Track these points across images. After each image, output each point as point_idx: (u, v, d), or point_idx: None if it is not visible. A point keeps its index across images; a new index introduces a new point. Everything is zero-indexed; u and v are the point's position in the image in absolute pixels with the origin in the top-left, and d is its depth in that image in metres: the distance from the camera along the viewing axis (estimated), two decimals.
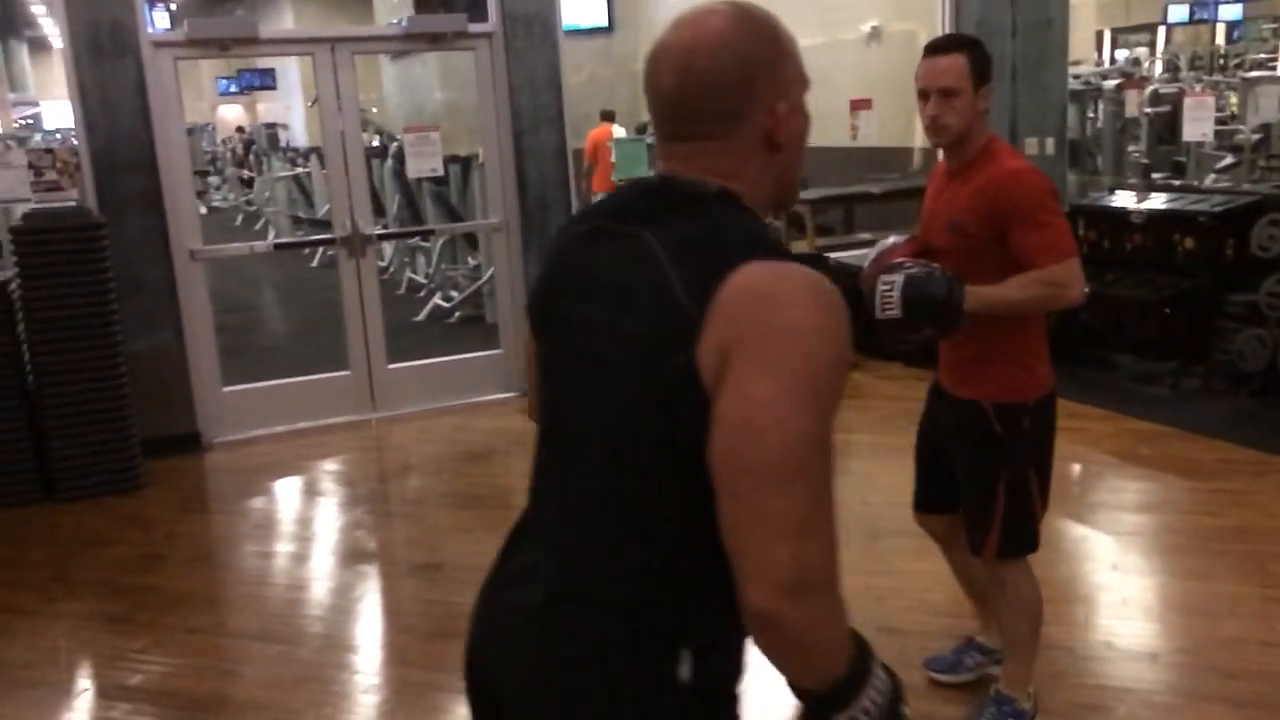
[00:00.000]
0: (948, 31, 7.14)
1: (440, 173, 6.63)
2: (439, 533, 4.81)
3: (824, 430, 1.17)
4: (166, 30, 5.92)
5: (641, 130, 12.70)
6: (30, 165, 5.56)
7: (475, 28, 6.31)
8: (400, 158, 8.84)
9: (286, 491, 5.56)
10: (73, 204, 5.49)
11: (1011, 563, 2.75)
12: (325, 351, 6.96)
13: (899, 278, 2.47)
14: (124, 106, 5.64)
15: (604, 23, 16.23)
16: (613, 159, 8.15)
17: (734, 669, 1.35)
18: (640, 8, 16.48)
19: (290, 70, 21.89)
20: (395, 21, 6.76)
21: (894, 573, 4.00)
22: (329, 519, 5.16)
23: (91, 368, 5.24)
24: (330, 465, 5.81)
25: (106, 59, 5.57)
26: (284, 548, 4.82)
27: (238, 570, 4.58)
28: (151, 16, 5.52)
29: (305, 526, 5.17)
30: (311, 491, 5.55)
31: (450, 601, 3.92)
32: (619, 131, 9.95)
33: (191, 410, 5.97)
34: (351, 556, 4.65)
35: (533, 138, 6.49)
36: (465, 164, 8.89)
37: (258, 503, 5.39)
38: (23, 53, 31.48)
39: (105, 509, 5.10)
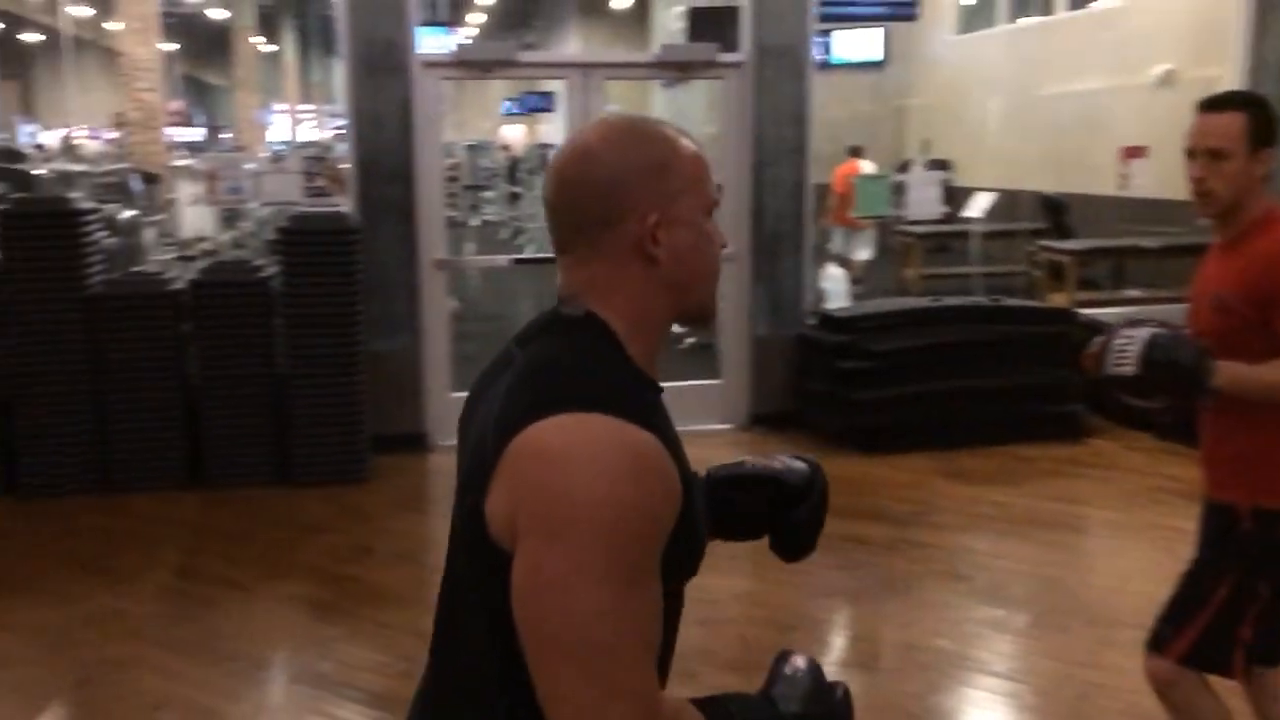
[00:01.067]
0: (1245, 80, 6.53)
1: None
2: None
3: (626, 603, 1.08)
4: (435, 52, 6.17)
5: (903, 168, 12.37)
6: (304, 171, 6.02)
7: (725, 58, 6.32)
8: None
9: None
10: (336, 209, 5.89)
11: (1195, 676, 2.45)
12: None
13: (1143, 333, 2.23)
14: (391, 121, 5.99)
15: (878, 57, 15.94)
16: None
17: None
18: (914, 43, 16.09)
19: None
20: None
21: (1105, 667, 3.63)
22: None
23: (334, 363, 5.58)
24: None
25: (379, 76, 5.95)
26: None
27: (440, 571, 4.73)
28: (419, 39, 5.80)
29: None
30: None
31: None
32: (866, 168, 9.71)
33: (421, 411, 6.25)
34: None
35: (773, 169, 6.41)
36: None
37: None
38: (340, 68, 34.41)
39: (330, 497, 5.41)
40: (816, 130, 6.49)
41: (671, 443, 1.19)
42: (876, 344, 6.10)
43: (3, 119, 30.70)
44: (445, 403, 6.37)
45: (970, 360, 6.23)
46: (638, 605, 1.09)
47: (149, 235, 7.93)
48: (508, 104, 24.82)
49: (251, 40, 29.82)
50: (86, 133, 27.14)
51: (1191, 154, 2.33)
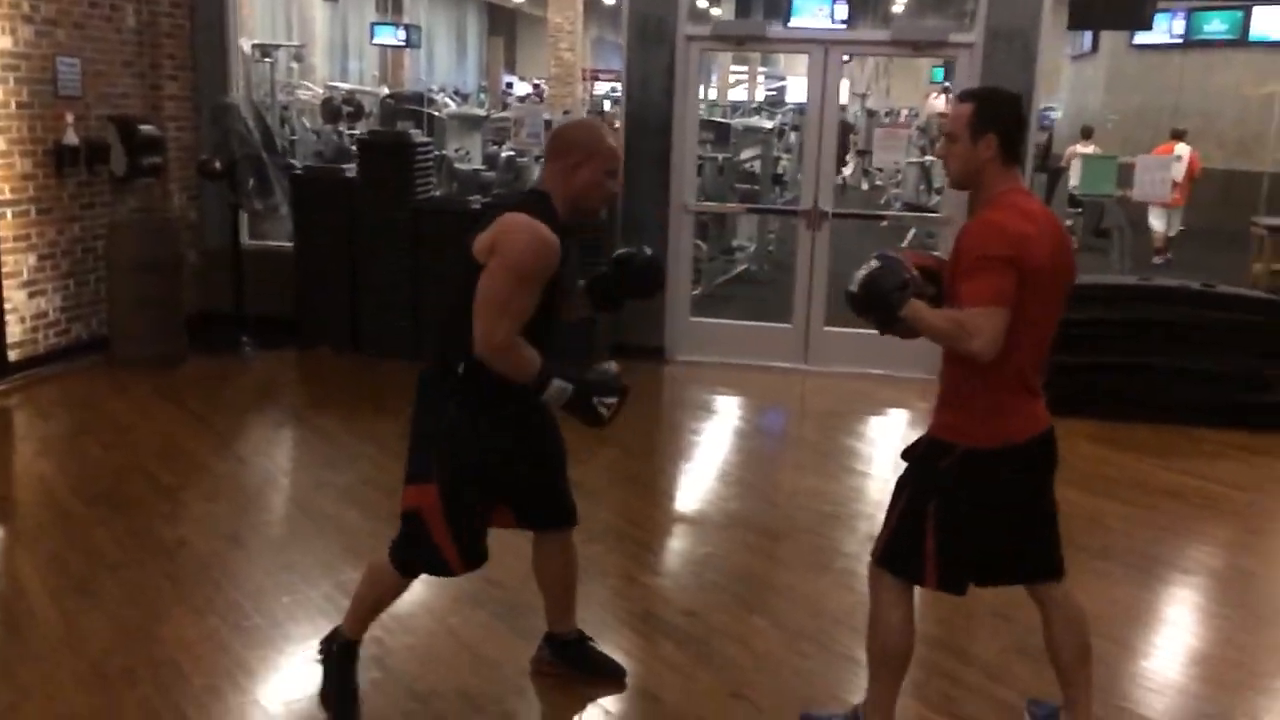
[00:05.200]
0: None
1: (900, 166, 7.31)
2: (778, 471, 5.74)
3: (515, 290, 2.69)
4: (696, 26, 7.29)
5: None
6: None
7: (956, 38, 6.88)
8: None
9: (720, 405, 6.84)
10: None
11: (889, 577, 2.85)
12: (780, 306, 8.03)
13: (875, 263, 2.71)
14: (656, 84, 7.22)
15: None
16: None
17: (485, 377, 2.81)
18: None
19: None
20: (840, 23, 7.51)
21: None
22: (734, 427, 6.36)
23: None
24: (752, 398, 6.95)
25: (649, 47, 7.19)
26: (700, 433, 6.11)
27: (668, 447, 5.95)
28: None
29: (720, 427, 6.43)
30: (731, 409, 6.75)
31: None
32: (1182, 150, 9.47)
33: (661, 329, 7.48)
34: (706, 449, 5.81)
35: None
36: None
37: (699, 400, 6.81)
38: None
39: None
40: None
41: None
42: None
43: (494, 70, 35.64)
44: (685, 325, 7.56)
45: (1163, 340, 6.42)
46: (520, 293, 2.70)
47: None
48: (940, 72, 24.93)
49: None
50: (535, 85, 30.74)
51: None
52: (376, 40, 24.01)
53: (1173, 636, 3.98)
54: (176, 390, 6.32)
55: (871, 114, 21.21)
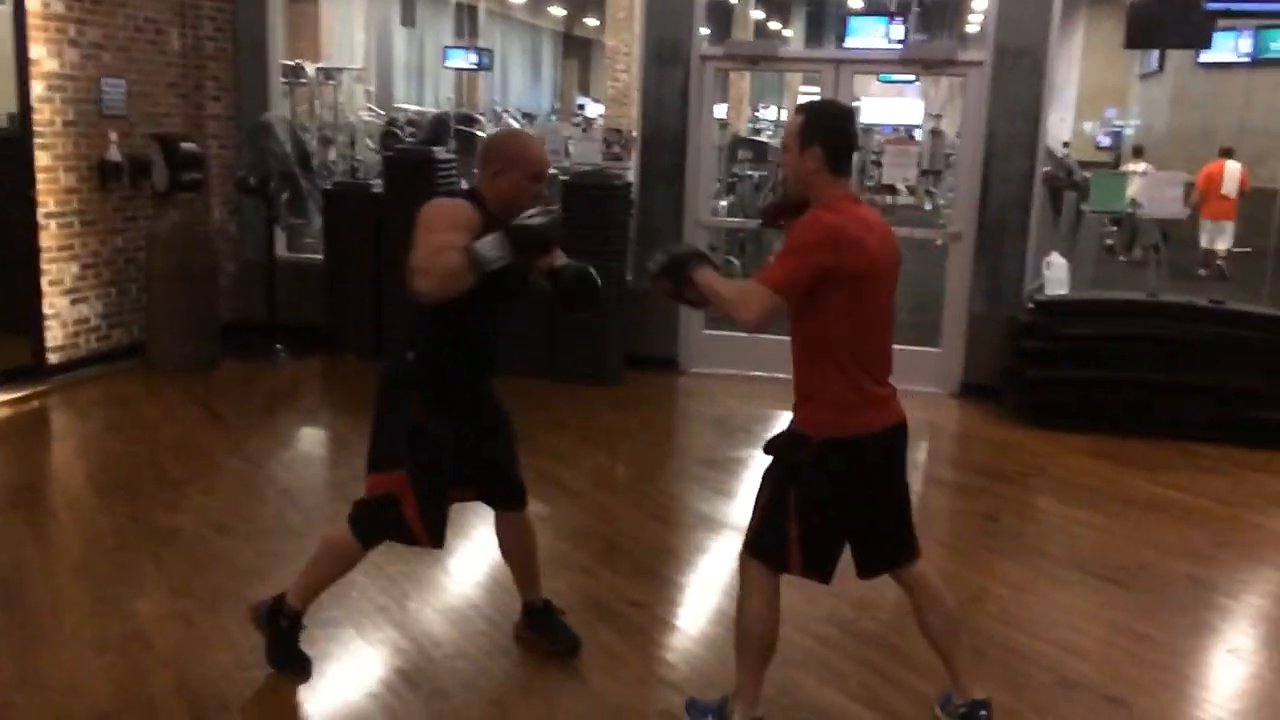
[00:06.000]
0: None
1: (910, 183, 7.38)
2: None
3: (424, 236, 2.95)
4: (710, 46, 7.47)
5: None
6: (604, 140, 7.66)
7: (965, 56, 6.96)
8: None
9: (725, 416, 7.00)
10: (619, 171, 7.46)
11: (756, 565, 2.96)
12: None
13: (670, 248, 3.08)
14: (670, 103, 7.43)
15: None
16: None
17: (441, 362, 3.20)
18: None
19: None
20: (896, 43, 7.61)
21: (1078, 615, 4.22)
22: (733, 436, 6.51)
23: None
24: (762, 410, 7.08)
25: (665, 67, 7.40)
26: (697, 443, 6.29)
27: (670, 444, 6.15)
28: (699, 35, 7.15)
29: (720, 436, 6.58)
30: (735, 421, 6.90)
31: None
32: (1233, 167, 9.37)
33: (674, 341, 7.65)
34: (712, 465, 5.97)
35: (1002, 162, 6.95)
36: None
37: (704, 411, 6.94)
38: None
39: (580, 395, 6.97)
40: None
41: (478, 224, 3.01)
42: (1064, 328, 6.51)
43: (567, 92, 36.47)
44: (698, 337, 7.73)
45: (1168, 356, 6.40)
46: (430, 239, 2.92)
47: None
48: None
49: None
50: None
51: None
52: (449, 64, 24.62)
53: (1109, 641, 4.01)
54: (205, 393, 6.68)
55: (937, 134, 21.14)
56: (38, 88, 6.46)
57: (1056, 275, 6.89)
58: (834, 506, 2.90)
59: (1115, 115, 23.59)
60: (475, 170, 3.23)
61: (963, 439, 6.66)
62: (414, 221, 3.02)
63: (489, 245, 2.89)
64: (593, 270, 3.23)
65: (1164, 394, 6.38)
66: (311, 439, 6.34)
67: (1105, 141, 22.51)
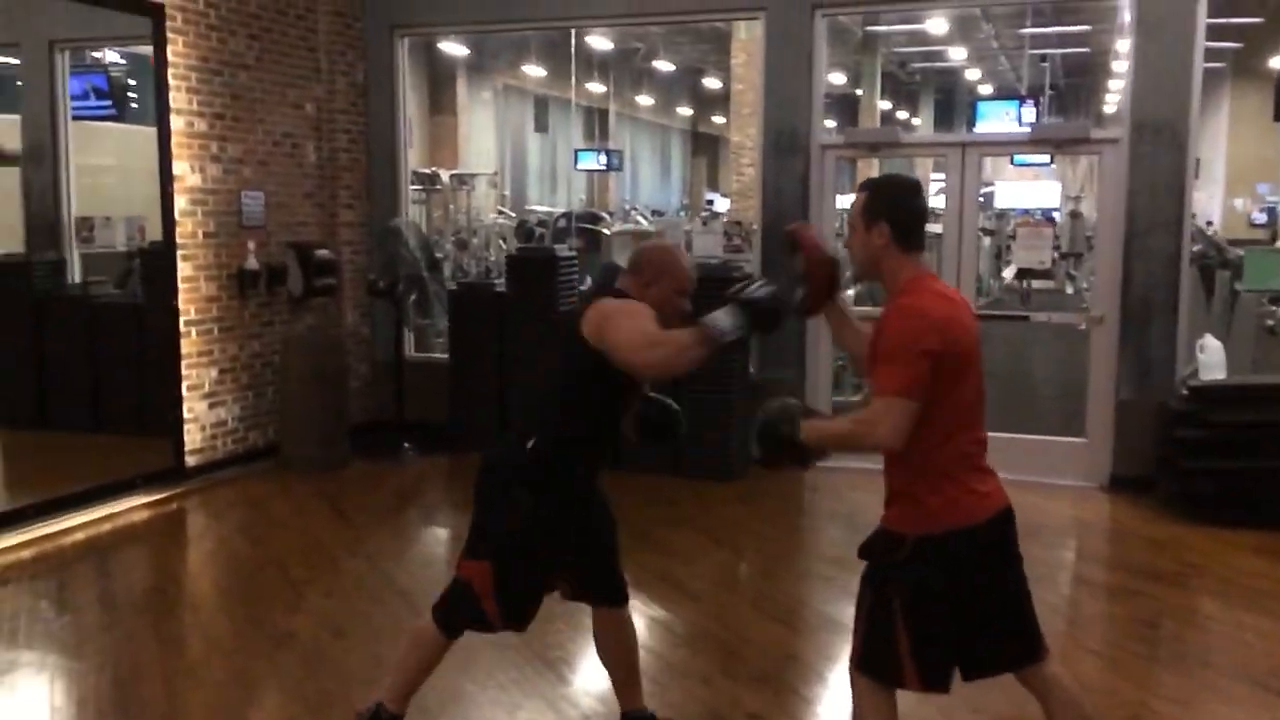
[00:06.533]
0: None
1: (1046, 265, 7.08)
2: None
3: (631, 321, 2.96)
4: (831, 134, 7.38)
5: None
6: (725, 233, 7.60)
7: (1100, 133, 6.67)
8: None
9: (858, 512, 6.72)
10: (741, 263, 7.37)
11: (867, 682, 2.75)
12: None
13: (760, 418, 2.78)
14: (790, 192, 7.33)
15: None
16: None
17: (563, 455, 3.14)
18: None
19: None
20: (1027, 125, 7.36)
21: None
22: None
23: (719, 387, 6.98)
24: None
25: (784, 156, 7.33)
26: (824, 540, 6.04)
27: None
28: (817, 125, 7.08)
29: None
30: (862, 517, 6.59)
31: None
32: None
33: None
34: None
35: (1145, 240, 6.59)
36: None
37: (835, 508, 6.66)
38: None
39: (704, 490, 6.81)
40: None
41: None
42: (1218, 415, 6.05)
43: (696, 188, 37.09)
44: None
45: None
46: (636, 322, 2.98)
47: None
48: None
49: None
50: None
51: None
52: (580, 166, 25.31)
53: None
54: (333, 493, 6.76)
55: (1076, 216, 20.54)
56: (181, 202, 6.78)
57: (1212, 359, 6.43)
58: (942, 609, 2.65)
59: (1269, 191, 22.58)
60: (623, 276, 3.25)
61: (1114, 536, 6.20)
62: (590, 317, 3.05)
63: (723, 318, 2.82)
64: (674, 405, 3.35)
65: None
66: (431, 538, 6.32)
67: (1261, 218, 21.55)
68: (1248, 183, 23.14)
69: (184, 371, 6.84)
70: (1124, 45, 19.82)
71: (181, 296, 6.80)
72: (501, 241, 15.55)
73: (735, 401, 7.04)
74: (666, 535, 5.87)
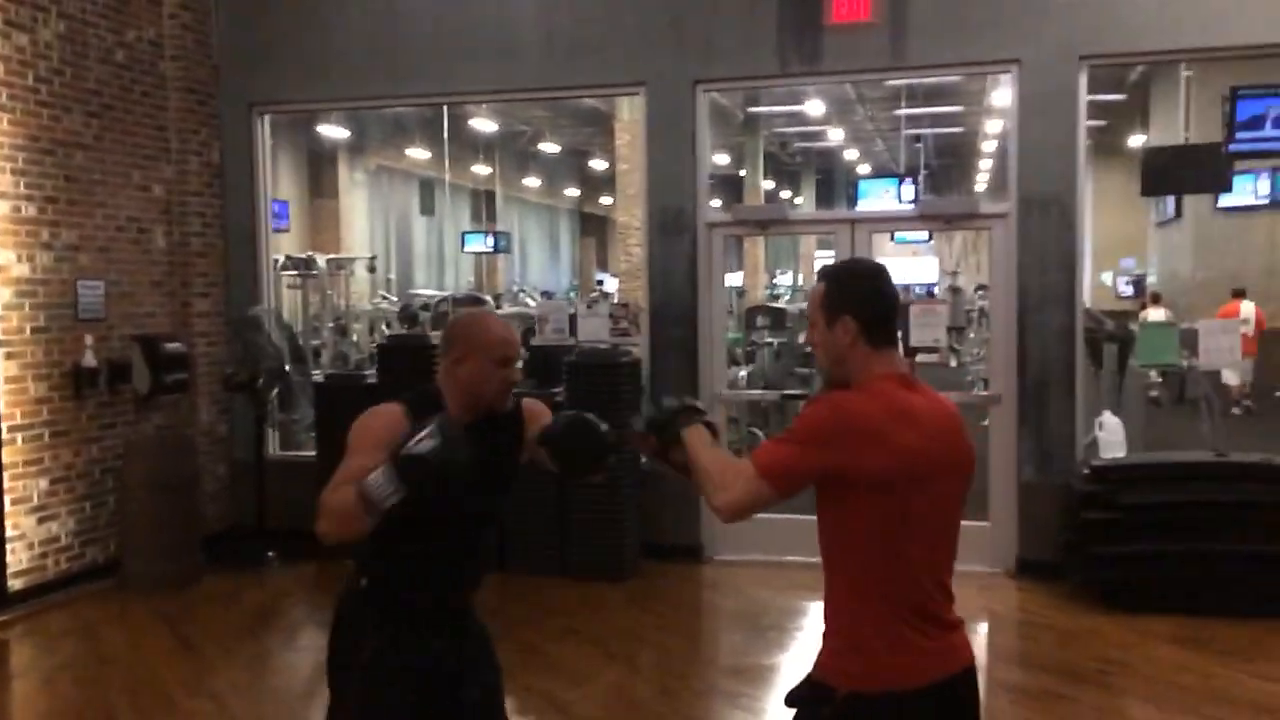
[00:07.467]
0: None
1: (942, 343, 6.87)
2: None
3: (353, 465, 2.40)
4: (718, 213, 7.11)
5: None
6: (610, 315, 7.21)
7: (989, 208, 6.52)
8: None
9: (757, 611, 6.28)
10: (626, 347, 6.98)
11: None
12: None
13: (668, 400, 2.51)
14: (679, 272, 7.00)
15: None
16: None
17: (393, 588, 2.67)
18: None
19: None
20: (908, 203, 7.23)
21: None
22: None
23: (606, 479, 6.54)
24: (796, 601, 6.36)
25: (671, 236, 7.01)
26: (725, 646, 5.56)
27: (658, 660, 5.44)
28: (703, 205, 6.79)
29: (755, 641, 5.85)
30: (765, 617, 6.17)
31: None
32: (1247, 309, 8.88)
33: (698, 526, 7.00)
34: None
35: (1038, 315, 6.43)
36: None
37: (733, 607, 6.20)
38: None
39: (594, 593, 6.31)
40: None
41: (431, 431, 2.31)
42: (1125, 496, 5.84)
43: (586, 268, 37.07)
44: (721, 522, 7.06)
45: (1248, 522, 5.70)
46: (356, 465, 2.39)
47: None
48: None
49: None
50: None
51: None
52: (468, 248, 24.89)
53: None
54: (178, 615, 6.05)
55: (956, 291, 20.86)
56: (5, 294, 6.11)
57: (1111, 436, 6.26)
58: None
59: (1134, 264, 23.36)
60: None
61: (1027, 629, 5.88)
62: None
63: (379, 480, 2.28)
64: (588, 416, 2.70)
65: (1249, 566, 5.65)
66: (288, 666, 5.61)
67: (1128, 290, 22.20)
68: (1113, 257, 23.93)
69: (6, 485, 6.09)
70: (994, 126, 20.74)
71: (4, 400, 6.08)
72: (385, 326, 14.97)
73: (625, 495, 6.59)
74: (553, 650, 5.35)
